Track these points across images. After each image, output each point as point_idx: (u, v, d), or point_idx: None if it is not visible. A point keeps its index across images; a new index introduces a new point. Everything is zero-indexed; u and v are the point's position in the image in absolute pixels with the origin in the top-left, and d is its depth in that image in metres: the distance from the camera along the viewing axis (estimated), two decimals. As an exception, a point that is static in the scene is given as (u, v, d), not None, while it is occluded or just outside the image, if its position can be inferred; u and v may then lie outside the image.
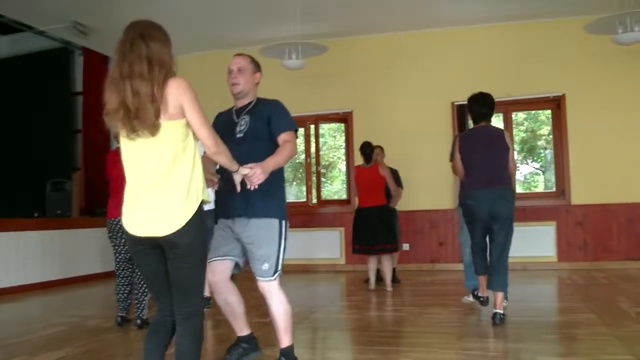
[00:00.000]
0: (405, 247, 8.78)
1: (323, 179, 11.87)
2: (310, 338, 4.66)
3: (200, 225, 2.51)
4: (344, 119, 9.29)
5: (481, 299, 5.02)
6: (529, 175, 13.50)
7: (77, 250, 8.55)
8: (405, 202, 8.43)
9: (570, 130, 8.39)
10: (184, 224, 2.43)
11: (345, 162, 9.35)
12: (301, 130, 9.96)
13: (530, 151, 11.20)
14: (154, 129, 2.41)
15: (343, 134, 9.95)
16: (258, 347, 3.59)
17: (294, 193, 15.38)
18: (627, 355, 3.65)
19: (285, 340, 3.32)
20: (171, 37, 2.55)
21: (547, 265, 8.29)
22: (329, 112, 9.36)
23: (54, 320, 5.53)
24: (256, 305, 6.11)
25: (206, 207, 2.64)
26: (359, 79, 9.09)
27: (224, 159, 2.71)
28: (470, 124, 6.21)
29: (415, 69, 8.89)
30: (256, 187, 2.97)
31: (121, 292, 4.99)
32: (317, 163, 9.51)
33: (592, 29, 6.85)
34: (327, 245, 9.11)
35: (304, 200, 9.76)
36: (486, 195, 4.68)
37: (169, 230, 2.42)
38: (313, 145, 9.69)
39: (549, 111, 8.94)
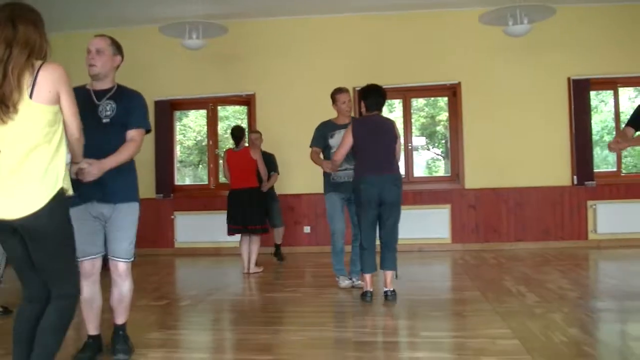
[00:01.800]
0: (307, 229, 8.89)
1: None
2: (205, 320, 4.65)
3: (60, 211, 2.52)
4: (247, 101, 9.22)
5: (367, 294, 4.97)
6: (431, 161, 13.95)
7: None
8: (307, 185, 8.52)
9: (465, 117, 8.73)
10: (38, 207, 2.40)
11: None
12: (203, 112, 9.84)
13: (430, 136, 11.55)
14: (4, 113, 2.36)
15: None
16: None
17: (200, 176, 15.13)
18: (504, 329, 3.88)
19: (125, 317, 3.47)
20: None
21: (442, 246, 8.64)
22: (231, 94, 9.25)
23: None
24: (154, 289, 6.04)
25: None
26: (262, 62, 9.04)
27: (79, 145, 2.73)
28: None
29: (318, 53, 8.94)
30: (88, 181, 3.04)
31: None
32: (216, 146, 9.43)
33: (485, 20, 7.13)
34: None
35: (207, 183, 9.65)
36: (377, 181, 4.90)
37: (22, 213, 2.39)
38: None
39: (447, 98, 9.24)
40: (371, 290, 4.97)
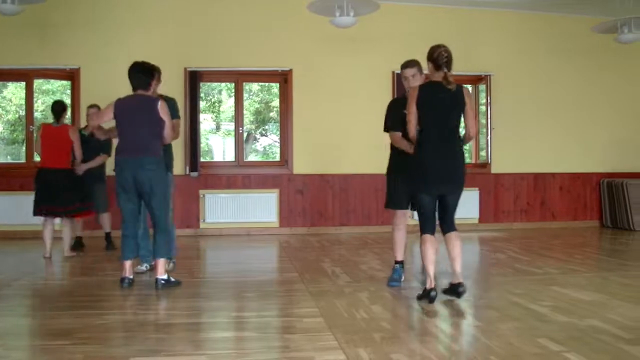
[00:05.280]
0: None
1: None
2: (5, 306, 4.34)
3: None
4: (70, 75, 8.69)
5: (125, 280, 4.82)
6: (268, 147, 14.13)
7: None
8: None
9: (295, 104, 8.91)
10: None
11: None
12: (22, 84, 9.13)
13: (263, 122, 11.67)
14: None
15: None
16: None
17: (17, 154, 14.09)
18: (312, 308, 4.04)
19: None
20: None
21: (270, 230, 8.78)
22: (53, 67, 8.65)
23: None
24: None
25: None
26: (88, 34, 8.52)
27: None
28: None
29: (148, 29, 8.60)
30: None
31: None
32: (30, 122, 8.81)
33: (313, 9, 7.27)
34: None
35: (24, 161, 8.99)
36: (130, 163, 4.72)
37: None
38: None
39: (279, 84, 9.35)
40: (130, 277, 4.82)
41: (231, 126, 10.16)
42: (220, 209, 8.63)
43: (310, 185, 8.93)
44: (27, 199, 8.16)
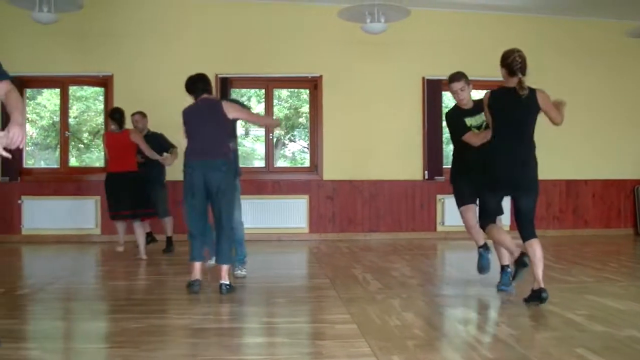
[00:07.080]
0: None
1: (82, 145, 11.25)
2: (40, 309, 4.41)
3: None
4: (104, 82, 8.83)
5: (195, 284, 4.79)
6: (297, 153, 14.17)
7: None
8: (170, 172, 8.31)
9: (325, 110, 8.93)
10: None
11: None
12: (57, 91, 9.29)
13: (292, 127, 11.68)
14: None
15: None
16: None
17: (51, 159, 14.37)
18: (344, 315, 4.02)
19: None
20: None
21: (300, 236, 8.80)
22: (87, 74, 8.82)
23: None
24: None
25: None
26: (121, 42, 8.65)
27: None
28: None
29: (181, 37, 8.72)
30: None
31: None
32: (65, 127, 8.98)
33: (344, 16, 7.31)
34: (82, 214, 8.62)
35: (58, 166, 9.15)
36: (201, 164, 4.76)
37: None
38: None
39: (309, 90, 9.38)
40: (199, 279, 4.80)
41: (261, 132, 10.22)
42: (251, 214, 8.65)
43: (340, 191, 8.93)
44: (60, 203, 8.42)
